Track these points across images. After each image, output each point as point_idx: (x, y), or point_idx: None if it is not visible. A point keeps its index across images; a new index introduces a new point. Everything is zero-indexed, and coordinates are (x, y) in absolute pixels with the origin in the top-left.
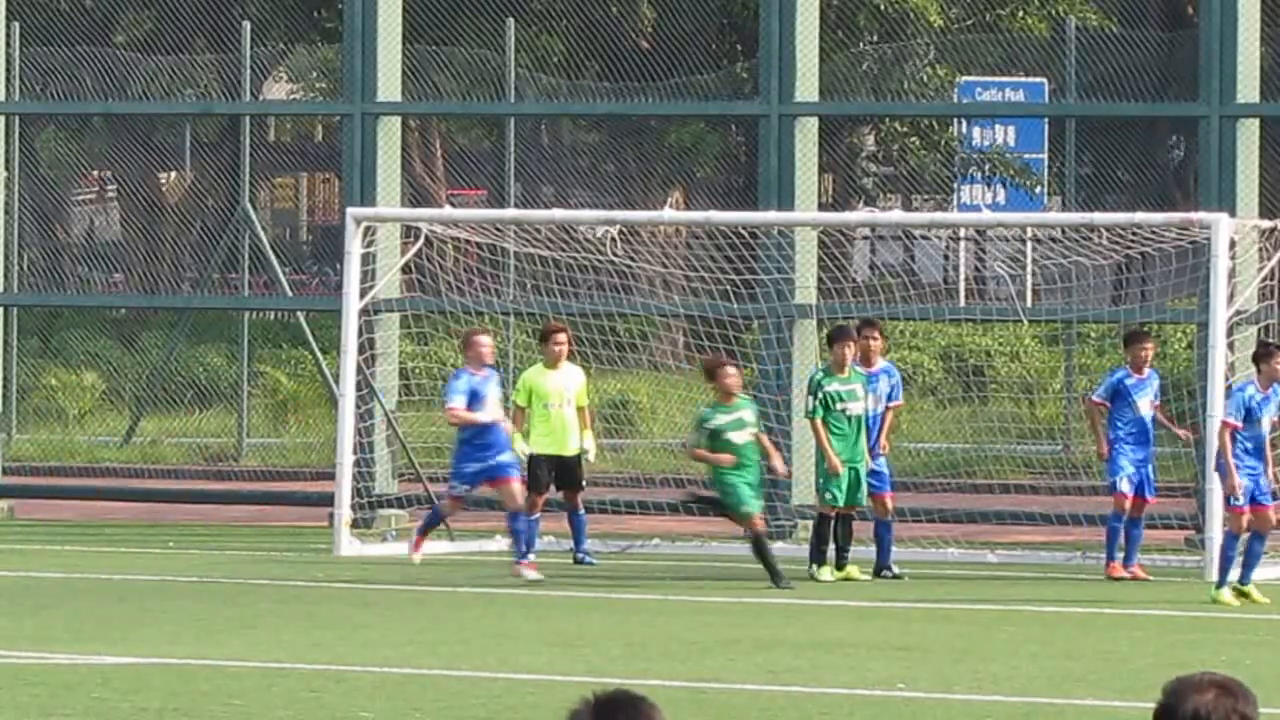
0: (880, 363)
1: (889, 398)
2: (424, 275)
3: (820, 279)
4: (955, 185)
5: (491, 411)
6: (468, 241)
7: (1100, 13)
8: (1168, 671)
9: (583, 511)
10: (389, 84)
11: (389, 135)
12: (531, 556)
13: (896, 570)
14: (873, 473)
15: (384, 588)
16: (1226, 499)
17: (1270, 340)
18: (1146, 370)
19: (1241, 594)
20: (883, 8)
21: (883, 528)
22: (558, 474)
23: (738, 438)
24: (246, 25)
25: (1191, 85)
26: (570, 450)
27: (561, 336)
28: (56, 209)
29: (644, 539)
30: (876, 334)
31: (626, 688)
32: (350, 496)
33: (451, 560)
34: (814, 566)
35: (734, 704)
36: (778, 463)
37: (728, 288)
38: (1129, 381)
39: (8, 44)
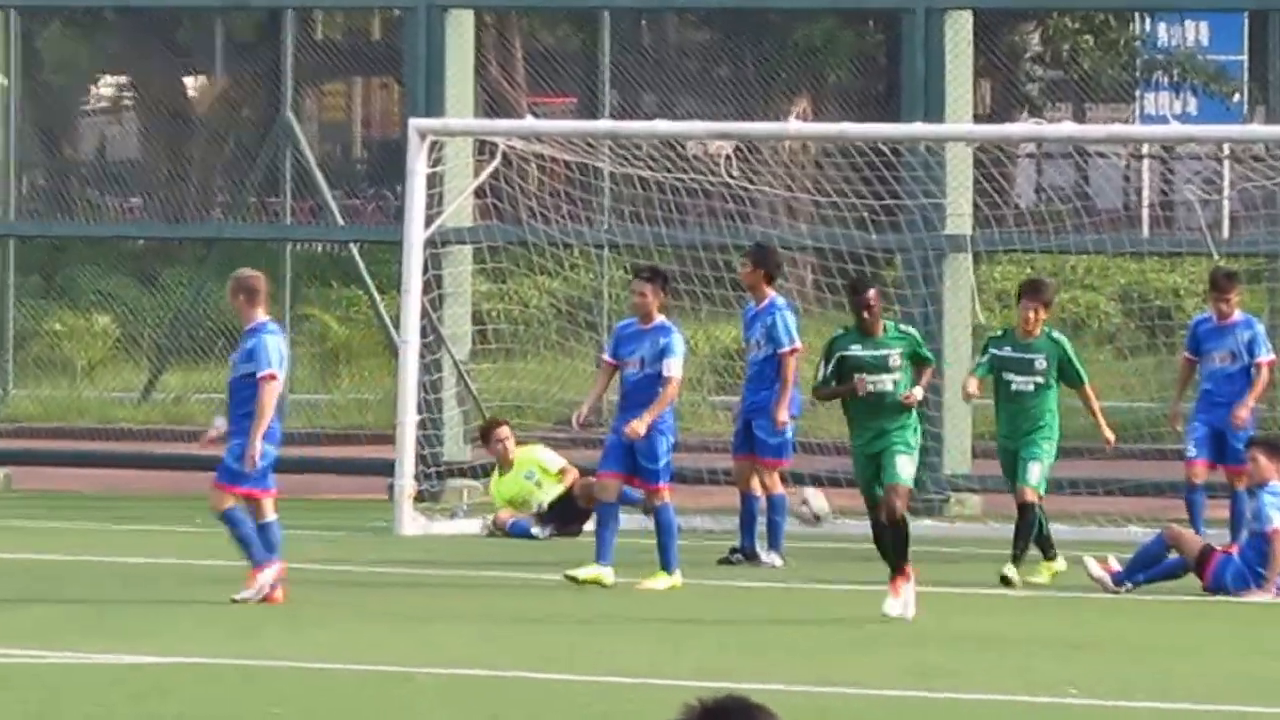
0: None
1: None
2: (501, 200)
3: (976, 205)
4: (1137, 93)
5: None
6: (554, 159)
7: None
8: None
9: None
10: None
11: (460, 32)
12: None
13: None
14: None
15: (452, 572)
16: None
17: None
18: (1236, 317)
19: None
20: None
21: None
22: None
23: None
24: None
25: None
26: None
27: None
28: (63, 121)
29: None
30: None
31: (738, 693)
32: (414, 465)
33: (532, 542)
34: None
35: (871, 714)
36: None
37: (865, 215)
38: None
39: None
